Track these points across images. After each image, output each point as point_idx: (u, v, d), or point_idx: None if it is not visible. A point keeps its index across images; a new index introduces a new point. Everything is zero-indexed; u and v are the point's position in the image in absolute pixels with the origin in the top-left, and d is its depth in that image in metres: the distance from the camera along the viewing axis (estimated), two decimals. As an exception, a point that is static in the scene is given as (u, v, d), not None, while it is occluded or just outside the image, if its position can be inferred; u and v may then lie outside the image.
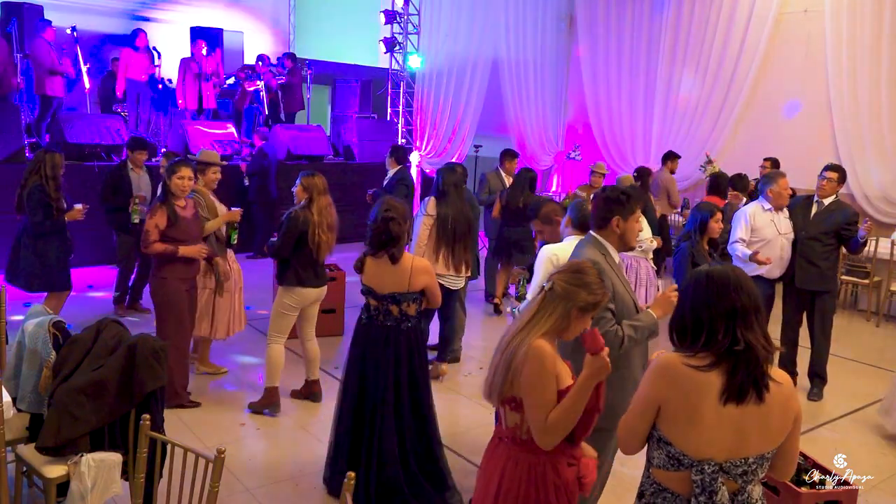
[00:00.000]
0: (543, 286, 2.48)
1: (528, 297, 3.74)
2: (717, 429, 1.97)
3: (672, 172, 9.49)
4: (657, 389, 2.04)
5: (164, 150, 10.03)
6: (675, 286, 3.14)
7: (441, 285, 5.38)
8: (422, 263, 3.89)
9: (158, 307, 4.83)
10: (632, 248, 3.25)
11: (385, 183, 7.79)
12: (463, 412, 5.25)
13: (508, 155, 8.28)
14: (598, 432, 3.02)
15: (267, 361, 4.90)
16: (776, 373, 2.04)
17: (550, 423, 2.31)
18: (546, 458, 2.40)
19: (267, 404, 4.91)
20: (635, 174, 8.39)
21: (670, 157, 9.53)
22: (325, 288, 4.96)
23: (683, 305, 2.09)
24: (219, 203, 5.34)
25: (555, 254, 3.69)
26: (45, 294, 5.82)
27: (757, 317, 2.02)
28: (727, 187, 6.77)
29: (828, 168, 5.62)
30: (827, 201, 5.56)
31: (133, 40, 10.40)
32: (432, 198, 5.58)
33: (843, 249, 5.67)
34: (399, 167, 7.78)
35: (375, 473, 3.72)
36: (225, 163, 5.40)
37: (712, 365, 1.98)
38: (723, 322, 1.99)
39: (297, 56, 12.05)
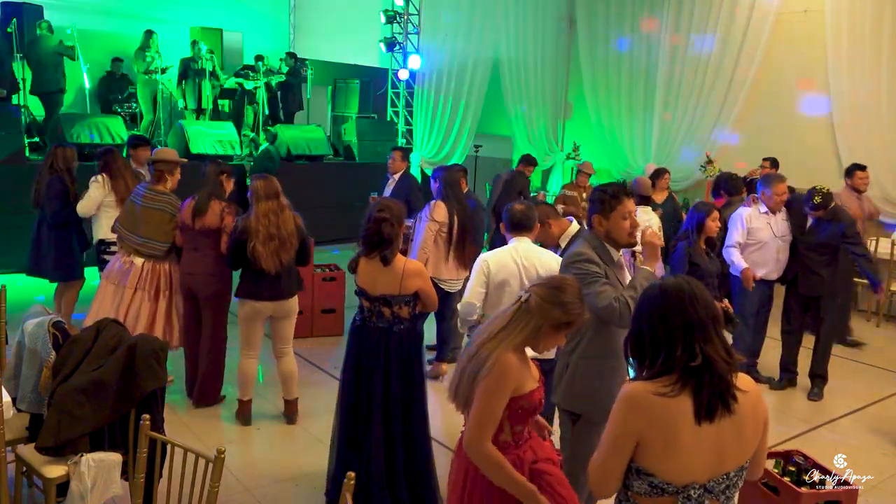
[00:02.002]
0: (520, 296, 2.45)
1: (459, 307, 3.73)
2: (697, 451, 1.91)
3: (858, 190, 6.90)
4: (631, 425, 1.93)
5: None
6: (645, 229, 3.20)
7: (440, 288, 5.40)
8: (414, 266, 3.72)
9: (220, 306, 4.90)
10: (629, 245, 3.19)
11: (393, 188, 7.10)
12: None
13: (523, 161, 8.21)
14: (586, 424, 3.01)
15: (237, 375, 4.82)
16: (741, 381, 1.97)
17: (484, 452, 2.34)
18: (507, 455, 2.42)
19: (238, 415, 4.82)
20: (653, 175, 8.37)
21: (856, 170, 6.96)
22: (282, 303, 4.59)
23: (640, 322, 1.99)
24: None
25: (486, 261, 3.67)
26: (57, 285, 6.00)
27: (716, 328, 1.94)
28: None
29: (812, 207, 5.45)
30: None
31: (144, 41, 10.42)
32: (439, 202, 5.45)
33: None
34: (404, 169, 7.24)
35: (361, 491, 3.55)
36: (185, 161, 5.38)
37: (680, 388, 1.90)
38: (680, 336, 1.91)
39: (297, 56, 12.05)
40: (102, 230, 5.69)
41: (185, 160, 5.39)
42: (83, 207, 5.64)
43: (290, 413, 4.84)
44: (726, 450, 1.94)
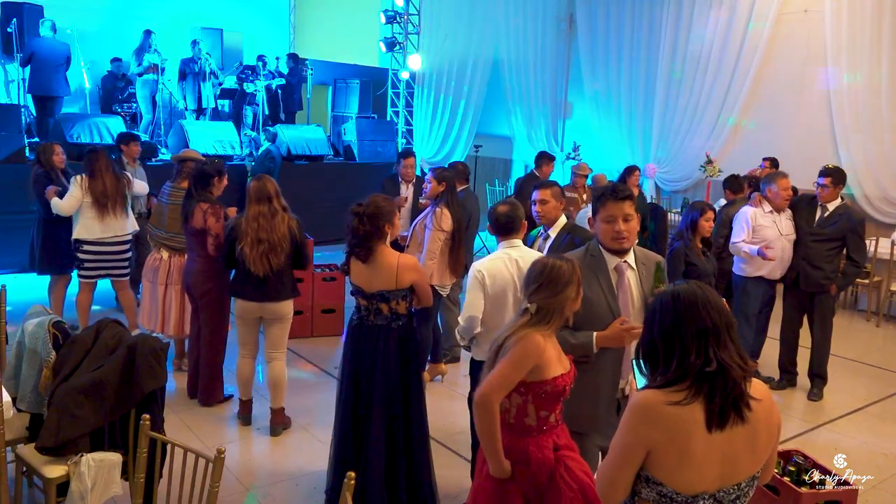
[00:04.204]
0: (527, 308, 2.56)
1: (460, 320, 3.51)
2: (708, 461, 1.88)
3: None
4: (642, 436, 1.89)
5: (163, 150, 10.07)
6: (625, 318, 2.94)
7: (437, 292, 5.38)
8: (409, 260, 3.68)
9: (213, 304, 4.89)
10: (617, 251, 3.03)
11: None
12: (463, 412, 5.24)
13: (543, 159, 7.98)
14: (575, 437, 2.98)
15: (236, 375, 4.84)
16: (755, 388, 1.93)
17: (488, 403, 2.48)
18: (531, 440, 2.57)
19: (238, 415, 4.84)
20: (624, 173, 8.35)
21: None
22: (270, 305, 4.51)
23: (652, 329, 1.96)
24: None
25: (480, 270, 3.45)
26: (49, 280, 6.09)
27: (730, 334, 1.91)
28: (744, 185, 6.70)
29: (821, 174, 5.53)
30: (832, 206, 5.52)
31: (144, 41, 10.41)
32: (445, 210, 5.24)
33: (845, 251, 5.62)
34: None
35: (359, 490, 3.54)
36: (204, 160, 5.44)
37: (693, 396, 1.87)
38: (695, 342, 1.88)
39: (298, 56, 12.06)
40: (76, 229, 5.66)
41: (203, 159, 5.45)
42: (64, 206, 5.62)
43: (275, 423, 4.69)
44: (738, 459, 1.90)
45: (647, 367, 1.99)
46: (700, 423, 1.86)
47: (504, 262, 3.49)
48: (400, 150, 7.15)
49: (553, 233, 4.12)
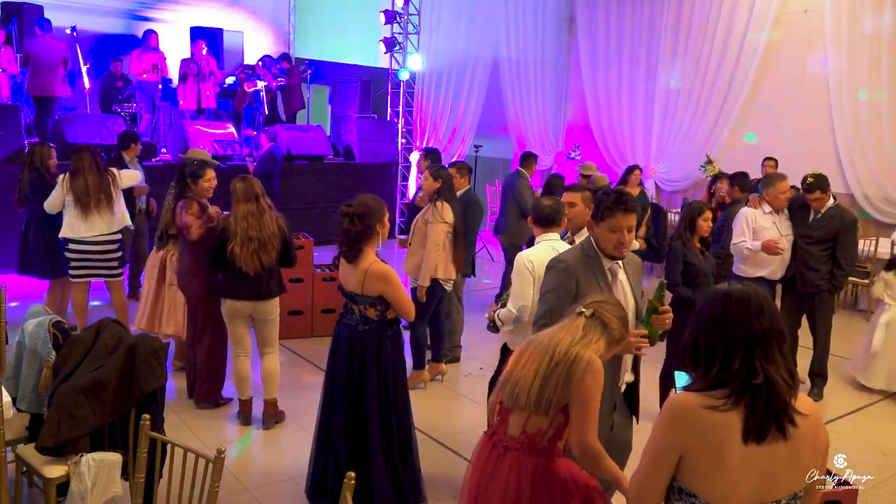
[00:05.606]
0: (582, 311, 2.48)
1: (510, 305, 3.58)
2: (744, 472, 1.77)
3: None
4: (675, 438, 1.81)
5: (163, 150, 10.07)
6: (643, 332, 2.88)
7: (444, 288, 5.39)
8: (379, 269, 3.62)
9: (202, 304, 4.84)
10: (613, 258, 3.01)
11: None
12: (463, 412, 5.26)
13: (529, 158, 8.15)
14: None
15: (232, 374, 4.85)
16: (802, 404, 1.83)
17: (595, 447, 2.39)
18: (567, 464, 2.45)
19: (238, 414, 4.84)
20: (625, 172, 8.37)
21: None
22: (261, 304, 4.57)
23: (697, 329, 1.86)
24: None
25: (530, 260, 3.56)
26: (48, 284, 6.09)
27: (780, 345, 1.79)
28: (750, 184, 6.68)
29: (807, 190, 5.46)
30: (824, 208, 5.53)
31: (145, 41, 10.41)
32: (445, 203, 5.30)
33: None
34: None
35: (330, 485, 3.60)
36: (216, 163, 5.43)
37: (732, 404, 1.77)
38: (740, 350, 1.78)
39: (297, 56, 12.07)
40: (63, 228, 5.62)
41: (216, 162, 5.44)
42: (47, 204, 5.62)
43: (268, 414, 4.74)
44: (778, 475, 1.81)
45: (689, 366, 1.91)
46: (736, 432, 1.77)
47: (549, 253, 3.48)
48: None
49: (578, 239, 4.01)
